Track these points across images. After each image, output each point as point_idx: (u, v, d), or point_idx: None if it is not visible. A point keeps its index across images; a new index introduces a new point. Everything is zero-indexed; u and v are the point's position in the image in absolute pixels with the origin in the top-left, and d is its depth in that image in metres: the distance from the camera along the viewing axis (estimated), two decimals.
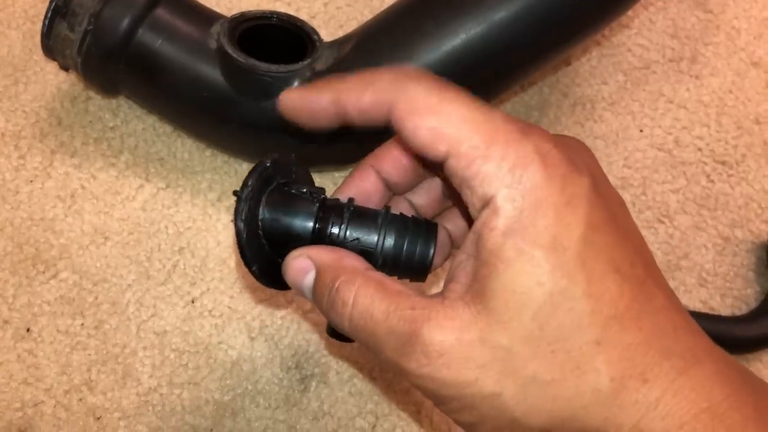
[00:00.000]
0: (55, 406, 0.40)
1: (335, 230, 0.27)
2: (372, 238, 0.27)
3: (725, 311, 0.47)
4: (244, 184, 0.26)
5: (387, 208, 0.28)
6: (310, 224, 0.27)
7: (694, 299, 0.47)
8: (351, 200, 0.28)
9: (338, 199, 0.29)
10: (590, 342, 0.23)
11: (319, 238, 0.27)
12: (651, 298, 0.24)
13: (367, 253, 0.27)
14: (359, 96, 0.25)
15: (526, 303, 0.23)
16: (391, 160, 0.29)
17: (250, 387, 0.42)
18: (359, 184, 0.29)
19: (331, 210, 0.27)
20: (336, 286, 0.26)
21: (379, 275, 0.26)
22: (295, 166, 0.29)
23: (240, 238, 0.26)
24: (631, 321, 0.23)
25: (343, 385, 0.43)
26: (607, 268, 0.23)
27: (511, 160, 0.23)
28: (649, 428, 0.23)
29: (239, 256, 0.27)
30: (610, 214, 0.24)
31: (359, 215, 0.27)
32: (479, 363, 0.23)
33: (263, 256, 0.28)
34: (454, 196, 0.30)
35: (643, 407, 0.23)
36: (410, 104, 0.24)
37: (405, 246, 0.27)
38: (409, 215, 0.28)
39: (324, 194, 0.28)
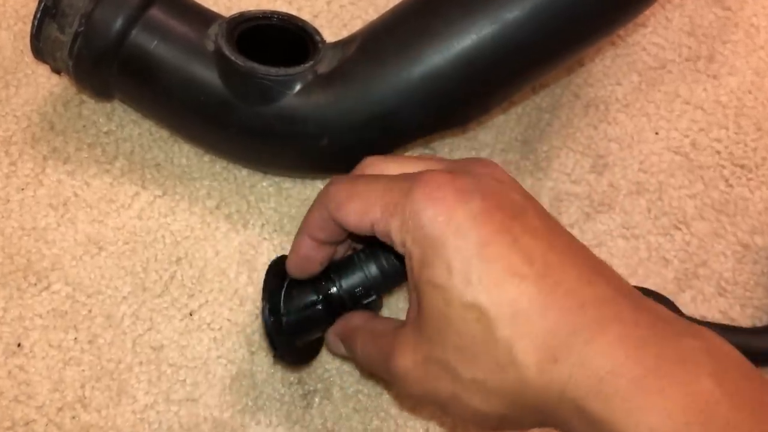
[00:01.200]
0: (47, 425, 0.39)
1: (334, 290, 0.36)
2: (358, 277, 0.36)
3: (745, 322, 0.45)
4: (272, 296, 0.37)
5: (355, 251, 0.37)
6: (318, 298, 0.36)
7: (713, 309, 0.45)
8: (329, 265, 0.36)
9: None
10: (503, 339, 0.27)
11: (328, 303, 0.36)
12: (555, 286, 0.27)
13: (366, 286, 0.36)
14: (311, 222, 0.35)
15: (446, 321, 0.28)
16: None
17: (250, 403, 0.40)
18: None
19: (325, 279, 0.36)
20: (348, 343, 0.36)
21: (372, 324, 0.35)
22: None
23: (272, 338, 0.36)
24: (536, 313, 0.27)
25: (348, 400, 0.41)
26: (503, 275, 0.27)
27: (407, 212, 0.29)
28: (570, 398, 0.26)
29: (270, 348, 0.37)
30: (502, 225, 0.28)
31: (342, 268, 0.36)
32: (433, 376, 0.29)
33: (287, 344, 0.37)
34: None
35: (558, 383, 0.26)
36: (336, 201, 0.32)
37: (384, 264, 0.35)
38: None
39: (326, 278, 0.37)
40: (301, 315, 0.36)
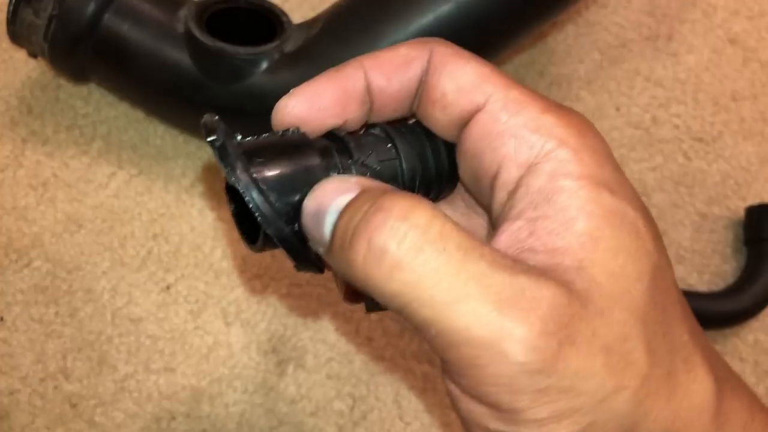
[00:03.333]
0: (30, 394, 0.40)
1: (345, 161, 0.21)
2: (390, 156, 0.22)
3: (703, 287, 0.47)
4: (219, 143, 0.21)
5: (377, 124, 0.23)
6: (318, 161, 0.21)
7: None
8: (335, 132, 0.22)
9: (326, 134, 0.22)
10: (688, 333, 0.20)
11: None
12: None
13: (391, 172, 0.22)
14: (391, 54, 0.22)
15: (641, 272, 0.19)
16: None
17: (226, 372, 0.42)
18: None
19: (327, 139, 0.22)
20: (384, 196, 0.18)
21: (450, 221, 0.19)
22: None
23: (258, 208, 0.20)
24: (695, 321, 0.21)
25: (321, 368, 0.43)
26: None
27: (573, 119, 0.20)
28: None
29: (261, 234, 0.20)
30: None
31: (359, 138, 0.22)
32: (603, 345, 0.18)
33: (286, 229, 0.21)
34: (475, 158, 0.22)
35: (744, 414, 0.21)
36: (455, 49, 0.21)
37: (429, 152, 0.22)
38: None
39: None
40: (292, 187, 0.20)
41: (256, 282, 0.44)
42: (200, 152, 0.46)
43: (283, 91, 0.40)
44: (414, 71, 0.22)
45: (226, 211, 0.45)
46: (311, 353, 0.43)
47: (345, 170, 0.21)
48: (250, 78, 0.40)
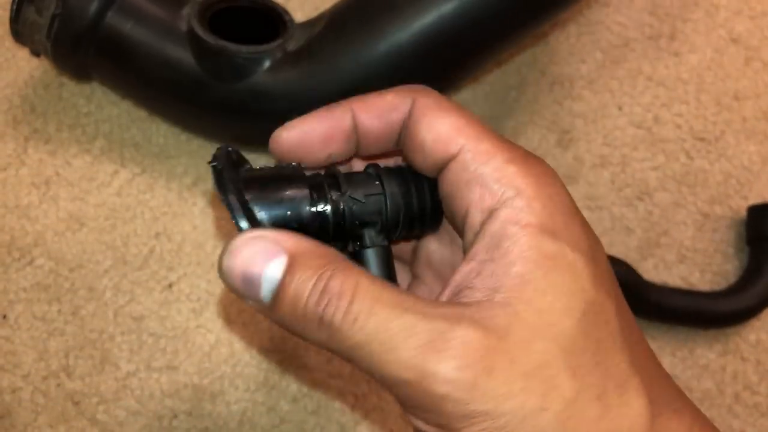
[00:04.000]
0: (33, 392, 0.40)
1: (334, 194, 0.24)
2: (376, 191, 0.24)
3: (705, 287, 0.47)
4: (219, 174, 0.22)
5: (372, 164, 0.26)
6: (306, 191, 0.23)
7: (674, 275, 0.47)
8: (332, 165, 0.25)
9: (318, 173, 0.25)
10: (626, 362, 0.22)
11: (318, 214, 0.24)
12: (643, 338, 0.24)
13: (376, 206, 0.24)
14: (379, 98, 0.25)
15: (572, 307, 0.21)
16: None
17: (228, 370, 0.42)
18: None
19: (319, 176, 0.25)
20: (330, 274, 0.21)
21: (378, 285, 0.22)
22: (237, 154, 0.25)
23: (241, 230, 0.22)
24: (647, 351, 0.23)
25: (322, 366, 0.43)
26: (620, 296, 0.23)
27: (535, 169, 0.23)
28: None
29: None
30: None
31: (350, 175, 0.25)
32: (523, 371, 0.20)
33: None
34: (449, 201, 0.25)
35: None
36: (435, 100, 0.24)
37: (413, 191, 0.25)
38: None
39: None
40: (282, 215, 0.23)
41: None
42: (202, 151, 0.46)
43: (286, 89, 0.40)
44: (398, 116, 0.25)
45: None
46: (313, 351, 0.43)
47: (333, 202, 0.24)
48: (253, 77, 0.40)
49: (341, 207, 0.24)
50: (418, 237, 0.28)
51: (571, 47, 0.53)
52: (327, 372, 0.43)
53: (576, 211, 0.23)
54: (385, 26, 0.39)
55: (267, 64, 0.39)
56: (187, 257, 0.44)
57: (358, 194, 0.24)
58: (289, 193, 0.23)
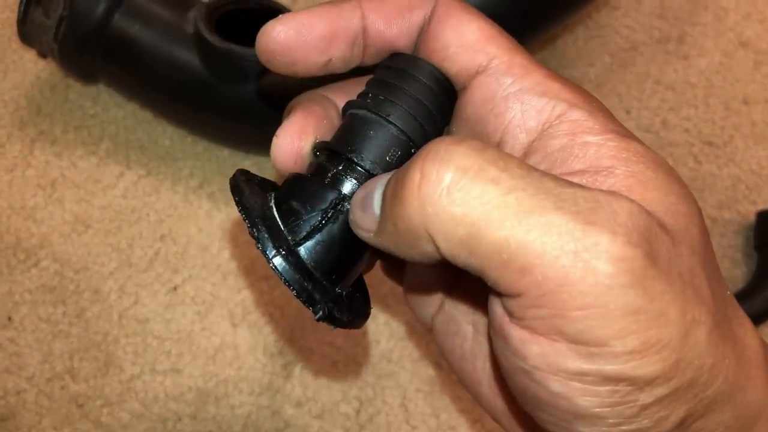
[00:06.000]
0: (37, 394, 0.40)
1: (364, 178, 0.21)
2: (391, 137, 0.20)
3: None
4: (247, 209, 0.20)
5: (352, 102, 0.22)
6: (340, 195, 0.21)
7: None
8: (324, 145, 0.22)
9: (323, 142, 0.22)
10: (727, 288, 0.19)
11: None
12: None
13: (407, 150, 0.21)
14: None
15: (692, 214, 0.18)
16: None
17: (233, 373, 0.42)
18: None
19: (335, 173, 0.21)
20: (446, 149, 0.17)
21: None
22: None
23: (292, 281, 0.20)
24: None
25: (327, 370, 0.42)
26: None
27: (576, 87, 0.19)
28: None
29: (298, 300, 0.20)
30: None
31: (354, 141, 0.21)
32: (680, 272, 0.17)
33: (323, 289, 0.21)
34: (475, 121, 0.21)
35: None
36: (459, 2, 0.20)
37: (419, 97, 0.21)
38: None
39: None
40: (324, 235, 0.21)
41: (263, 283, 0.44)
42: (208, 154, 0.46)
43: (292, 92, 0.40)
44: (416, 18, 0.21)
45: (234, 213, 0.45)
46: (318, 355, 0.43)
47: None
48: (259, 79, 0.39)
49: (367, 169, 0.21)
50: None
51: (579, 51, 0.53)
52: (332, 376, 0.42)
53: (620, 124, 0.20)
54: None
55: None
56: (192, 260, 0.44)
57: (380, 155, 0.20)
58: (329, 234, 0.21)
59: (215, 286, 0.43)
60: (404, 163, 0.18)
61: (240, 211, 0.20)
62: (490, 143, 0.18)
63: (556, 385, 0.16)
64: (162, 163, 0.46)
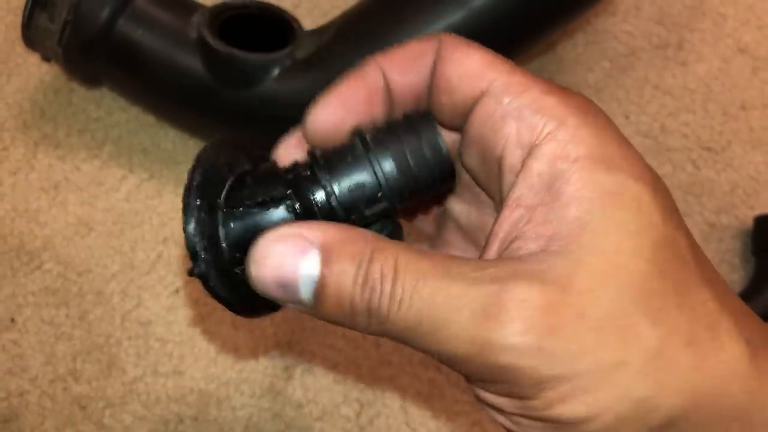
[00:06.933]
0: (40, 396, 0.41)
1: (320, 195, 0.20)
2: (364, 176, 0.20)
3: None
4: (187, 193, 0.20)
5: (357, 129, 0.22)
6: (283, 210, 0.20)
7: None
8: (313, 150, 0.22)
9: (298, 161, 0.22)
10: (712, 299, 0.19)
11: (303, 217, 0.21)
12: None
13: (371, 198, 0.21)
14: (403, 49, 0.22)
15: (641, 245, 0.18)
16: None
17: (234, 375, 0.42)
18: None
19: (298, 173, 0.21)
20: (369, 258, 0.19)
21: (413, 245, 0.21)
22: (249, 144, 0.23)
23: (187, 231, 0.20)
24: (725, 285, 0.20)
25: (328, 372, 0.43)
26: (690, 232, 0.20)
27: (575, 99, 0.20)
28: None
29: (205, 290, 0.21)
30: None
31: (333, 160, 0.21)
32: (594, 324, 0.18)
33: (231, 280, 0.21)
34: (480, 142, 0.22)
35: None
36: (462, 39, 0.21)
37: (409, 157, 0.21)
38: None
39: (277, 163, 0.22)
40: (251, 220, 0.21)
41: None
42: None
43: (294, 97, 0.41)
44: (426, 63, 0.22)
45: None
46: (319, 358, 0.43)
47: (315, 203, 0.21)
48: (262, 84, 0.40)
49: (329, 203, 0.21)
50: (435, 203, 0.25)
51: (578, 56, 0.53)
52: (332, 378, 0.43)
53: (629, 142, 0.20)
54: (394, 35, 0.39)
55: (276, 71, 0.40)
56: None
57: (345, 184, 0.20)
58: (263, 201, 0.21)
59: None
60: (363, 201, 0.20)
61: (195, 158, 0.21)
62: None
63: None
64: (164, 166, 0.46)
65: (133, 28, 0.41)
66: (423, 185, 0.21)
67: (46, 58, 0.44)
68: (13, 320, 0.42)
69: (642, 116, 0.52)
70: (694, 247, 0.20)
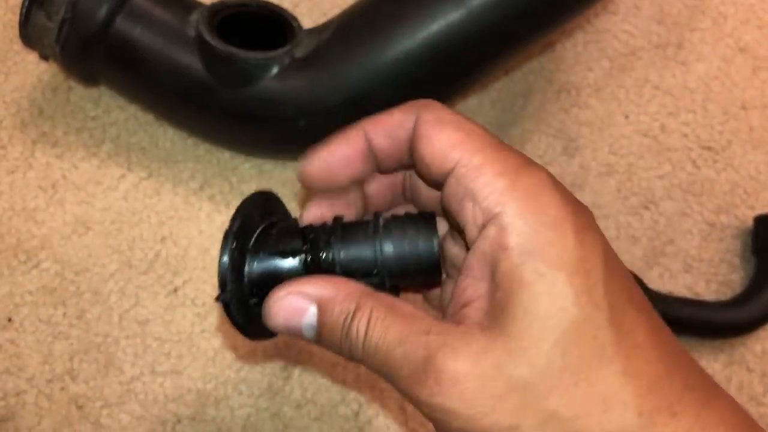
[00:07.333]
0: (37, 396, 0.40)
1: (328, 257, 0.26)
2: (367, 252, 0.25)
3: (710, 297, 0.47)
4: (226, 239, 0.25)
5: (377, 214, 0.27)
6: (297, 261, 0.26)
7: (680, 285, 0.47)
8: (338, 218, 0.27)
9: (324, 223, 0.27)
10: (616, 373, 0.22)
11: (311, 270, 0.26)
12: (661, 330, 0.24)
13: (368, 272, 0.26)
14: (387, 117, 0.26)
15: (548, 330, 0.22)
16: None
17: (232, 375, 0.42)
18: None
19: (318, 235, 0.26)
20: (352, 314, 0.24)
21: (389, 298, 0.25)
22: (270, 200, 0.28)
23: (222, 263, 0.25)
24: (652, 352, 0.23)
25: (326, 373, 0.43)
26: (624, 298, 0.23)
27: (525, 181, 0.23)
28: None
29: (227, 319, 0.26)
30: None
31: (349, 232, 0.26)
32: (495, 393, 0.22)
33: (248, 310, 0.26)
34: (450, 215, 0.26)
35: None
36: (436, 115, 0.25)
37: (406, 248, 0.25)
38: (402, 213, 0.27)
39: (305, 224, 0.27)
40: (270, 264, 0.26)
41: None
42: (209, 156, 0.46)
43: (293, 96, 0.40)
44: (404, 133, 0.26)
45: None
46: (317, 357, 0.43)
47: (323, 260, 0.26)
48: (261, 83, 0.40)
49: (333, 265, 0.26)
50: (423, 287, 0.30)
51: (578, 55, 0.53)
52: (331, 378, 0.42)
53: (566, 218, 0.23)
54: (393, 34, 0.39)
55: (275, 70, 0.40)
56: (192, 262, 0.44)
57: (350, 254, 0.26)
58: (280, 271, 0.26)
59: (215, 288, 0.44)
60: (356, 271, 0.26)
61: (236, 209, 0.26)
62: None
63: None
64: (163, 165, 0.46)
65: (131, 26, 0.41)
66: (412, 272, 0.26)
67: (43, 57, 0.44)
68: (10, 319, 0.42)
69: (642, 116, 0.52)
70: (615, 318, 0.22)
